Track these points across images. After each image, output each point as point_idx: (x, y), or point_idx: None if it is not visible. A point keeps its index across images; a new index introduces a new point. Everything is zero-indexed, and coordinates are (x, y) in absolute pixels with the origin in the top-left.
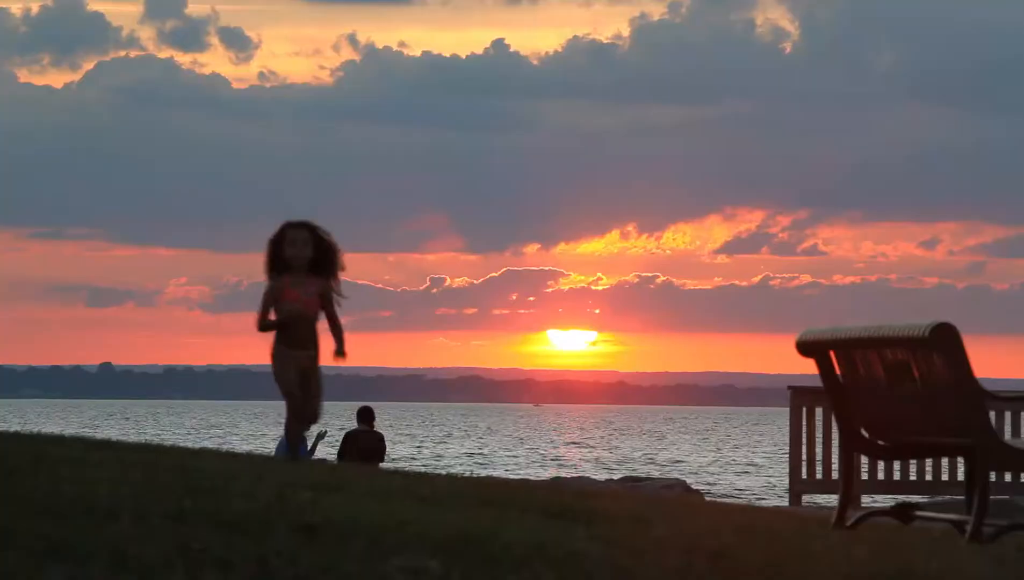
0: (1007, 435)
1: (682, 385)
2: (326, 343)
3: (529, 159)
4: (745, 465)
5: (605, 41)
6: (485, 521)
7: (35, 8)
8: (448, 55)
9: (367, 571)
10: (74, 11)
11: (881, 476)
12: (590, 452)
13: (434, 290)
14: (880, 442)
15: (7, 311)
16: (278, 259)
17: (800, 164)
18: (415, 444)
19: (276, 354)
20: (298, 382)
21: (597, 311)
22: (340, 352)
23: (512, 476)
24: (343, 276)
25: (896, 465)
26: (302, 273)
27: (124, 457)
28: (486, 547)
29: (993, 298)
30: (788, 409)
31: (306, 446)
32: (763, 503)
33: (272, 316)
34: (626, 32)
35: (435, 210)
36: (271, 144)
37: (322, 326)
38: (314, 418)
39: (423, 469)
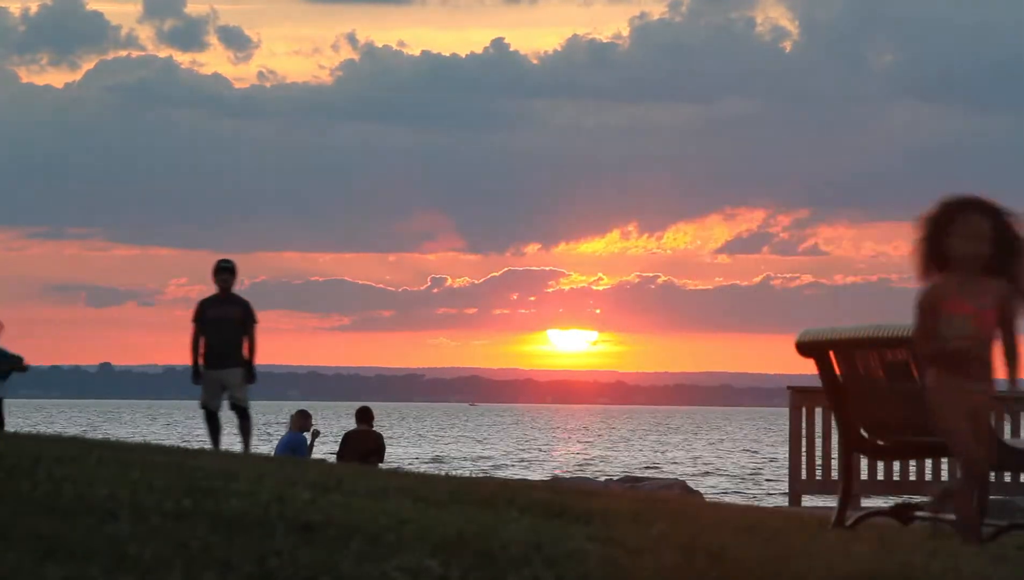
0: (1007, 435)
1: (682, 385)
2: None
3: (529, 159)
4: (745, 465)
5: (605, 41)
6: (484, 521)
7: (34, 7)
8: (448, 55)
9: (366, 571)
10: (73, 10)
11: (881, 476)
12: (589, 452)
13: (435, 290)
14: (880, 442)
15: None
16: (938, 252)
17: (801, 163)
18: (413, 444)
19: (939, 387)
20: (970, 428)
21: (598, 311)
22: (1013, 377)
23: (511, 476)
24: None
25: (896, 465)
26: (973, 275)
27: (124, 457)
28: (485, 547)
29: None
30: (788, 409)
31: (305, 445)
32: (763, 503)
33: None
34: (626, 32)
35: (435, 210)
36: (271, 143)
37: None
38: (982, 476)
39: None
